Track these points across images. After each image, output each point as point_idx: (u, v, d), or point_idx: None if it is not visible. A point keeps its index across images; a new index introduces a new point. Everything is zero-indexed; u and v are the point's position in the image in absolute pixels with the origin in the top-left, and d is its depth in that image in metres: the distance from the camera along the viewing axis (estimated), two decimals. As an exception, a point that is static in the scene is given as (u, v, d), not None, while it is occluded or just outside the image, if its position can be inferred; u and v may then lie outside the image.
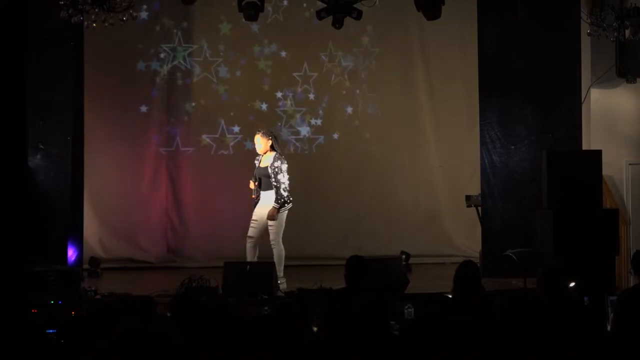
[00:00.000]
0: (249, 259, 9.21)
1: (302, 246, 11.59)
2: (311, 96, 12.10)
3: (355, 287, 6.38)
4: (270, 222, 9.22)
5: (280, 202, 9.17)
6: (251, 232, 9.30)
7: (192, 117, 12.00)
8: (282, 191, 9.16)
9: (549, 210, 9.03)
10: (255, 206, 9.30)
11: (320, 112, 12.14)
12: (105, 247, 11.64)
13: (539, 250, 9.22)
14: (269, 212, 9.18)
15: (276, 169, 9.16)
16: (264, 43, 12.00)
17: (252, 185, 9.29)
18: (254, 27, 11.75)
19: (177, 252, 11.91)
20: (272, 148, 9.27)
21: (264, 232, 9.27)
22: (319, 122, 12.14)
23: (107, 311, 5.41)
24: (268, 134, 9.32)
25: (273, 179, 9.16)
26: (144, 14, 11.57)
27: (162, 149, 11.95)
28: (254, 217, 9.30)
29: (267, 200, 9.25)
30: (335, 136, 12.15)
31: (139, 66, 11.86)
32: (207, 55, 11.97)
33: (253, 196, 9.31)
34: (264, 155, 9.28)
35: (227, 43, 11.98)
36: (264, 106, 12.05)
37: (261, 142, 9.27)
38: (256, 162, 9.33)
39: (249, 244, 9.28)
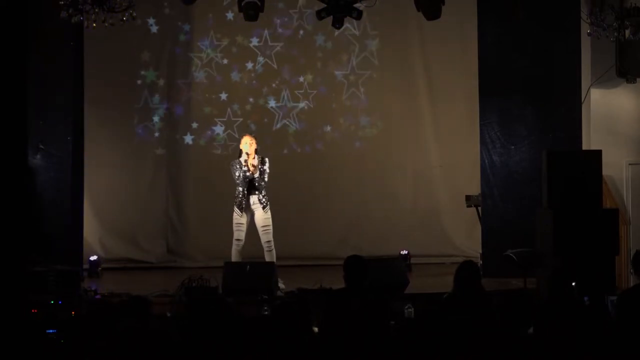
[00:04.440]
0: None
1: (302, 246, 11.60)
2: (311, 96, 12.09)
3: (354, 287, 6.37)
4: (265, 224, 9.31)
5: (267, 201, 9.37)
6: (241, 235, 9.39)
7: (192, 117, 11.99)
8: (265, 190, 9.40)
9: (549, 210, 9.03)
10: (242, 210, 9.34)
11: (319, 112, 12.12)
12: (105, 247, 11.63)
13: (539, 250, 9.23)
14: (263, 214, 9.33)
15: (266, 171, 9.31)
16: (263, 43, 11.99)
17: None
18: (254, 29, 11.77)
19: (177, 252, 11.90)
20: (256, 151, 9.40)
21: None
22: (318, 121, 12.13)
23: (107, 311, 5.41)
24: (254, 136, 9.50)
25: (261, 181, 9.30)
26: (147, 18, 11.60)
27: (162, 149, 11.95)
28: (241, 221, 9.35)
29: (256, 203, 9.35)
30: (335, 136, 12.15)
31: (139, 66, 11.85)
32: (208, 56, 11.96)
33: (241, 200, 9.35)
34: (251, 158, 9.30)
35: (228, 44, 11.98)
36: (264, 107, 12.04)
37: (254, 144, 9.32)
38: (245, 165, 9.31)
39: (239, 248, 9.37)
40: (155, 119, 11.90)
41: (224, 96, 11.99)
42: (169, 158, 11.97)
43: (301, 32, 12.06)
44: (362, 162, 12.14)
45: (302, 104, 12.10)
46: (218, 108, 12.01)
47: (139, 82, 11.85)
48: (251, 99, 12.04)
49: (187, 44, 11.97)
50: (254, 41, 11.97)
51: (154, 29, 11.83)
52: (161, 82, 11.90)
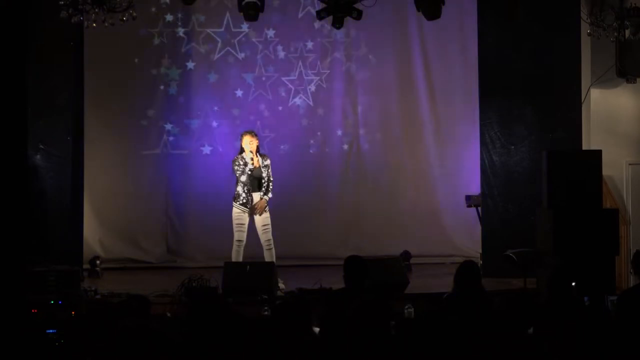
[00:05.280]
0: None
1: (302, 246, 11.60)
2: (311, 96, 12.08)
3: (354, 287, 6.37)
4: (265, 223, 9.33)
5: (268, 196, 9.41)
6: (242, 236, 9.42)
7: (193, 116, 11.98)
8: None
9: (549, 210, 9.03)
10: (246, 208, 9.35)
11: (320, 112, 12.12)
12: (105, 247, 11.62)
13: (539, 250, 9.23)
14: (261, 206, 9.32)
15: (269, 168, 9.35)
16: (265, 45, 11.97)
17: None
18: (255, 31, 11.78)
19: (177, 252, 11.90)
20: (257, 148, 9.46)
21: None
22: (318, 122, 12.12)
23: (107, 311, 5.41)
24: (255, 134, 9.51)
25: (265, 178, 9.33)
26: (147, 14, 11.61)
27: (162, 149, 11.94)
28: (242, 221, 9.37)
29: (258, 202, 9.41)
30: (335, 136, 12.14)
31: (139, 66, 11.84)
32: (208, 55, 11.95)
33: (245, 201, 9.37)
34: (252, 156, 9.31)
35: (228, 43, 11.97)
36: (264, 107, 12.03)
37: (255, 142, 9.34)
38: (249, 165, 9.33)
39: (240, 249, 9.39)
40: (156, 118, 11.89)
41: (225, 96, 11.98)
42: (169, 158, 11.96)
43: (299, 32, 12.05)
44: (362, 162, 12.14)
45: (301, 104, 12.08)
46: (218, 107, 11.99)
47: (139, 81, 11.84)
48: (252, 100, 12.02)
49: (188, 43, 11.96)
50: (254, 41, 11.96)
51: (156, 29, 11.82)
52: (162, 82, 11.88)
